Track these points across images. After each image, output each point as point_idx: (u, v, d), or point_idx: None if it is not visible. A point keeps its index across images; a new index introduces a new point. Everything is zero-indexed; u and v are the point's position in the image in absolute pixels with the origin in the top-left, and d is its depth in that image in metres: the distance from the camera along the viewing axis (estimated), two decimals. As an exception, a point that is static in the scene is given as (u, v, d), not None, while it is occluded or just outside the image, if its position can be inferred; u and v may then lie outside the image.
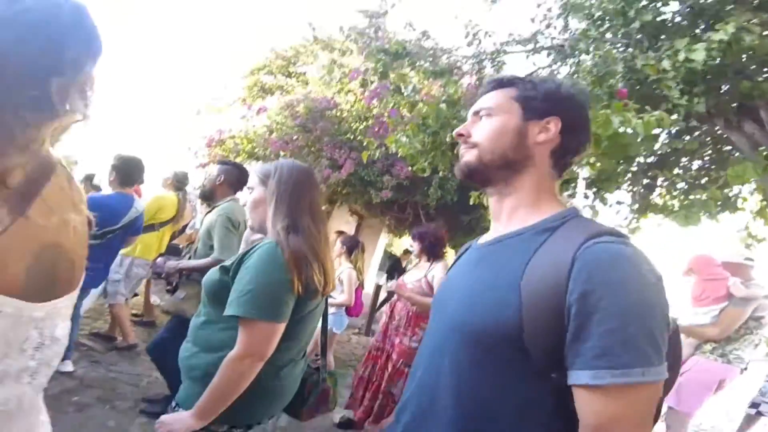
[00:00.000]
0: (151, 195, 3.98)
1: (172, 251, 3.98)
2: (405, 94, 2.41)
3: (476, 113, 0.84)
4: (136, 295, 4.19)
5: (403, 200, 4.58)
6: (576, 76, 3.02)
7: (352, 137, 5.16)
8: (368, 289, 10.79)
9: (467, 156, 0.82)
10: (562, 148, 0.80)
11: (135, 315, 4.43)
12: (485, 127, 0.81)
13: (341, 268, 3.80)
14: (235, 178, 2.50)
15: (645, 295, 0.59)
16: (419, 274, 2.98)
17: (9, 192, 0.53)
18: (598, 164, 1.85)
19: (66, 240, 0.61)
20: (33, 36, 0.53)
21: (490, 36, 2.99)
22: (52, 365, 0.63)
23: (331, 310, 3.39)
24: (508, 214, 0.79)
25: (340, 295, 3.69)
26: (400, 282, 3.03)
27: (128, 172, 3.02)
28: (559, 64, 3.36)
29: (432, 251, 3.01)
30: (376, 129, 4.73)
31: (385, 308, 3.19)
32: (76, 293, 0.65)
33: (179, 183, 4.02)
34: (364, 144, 4.64)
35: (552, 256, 0.65)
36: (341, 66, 5.60)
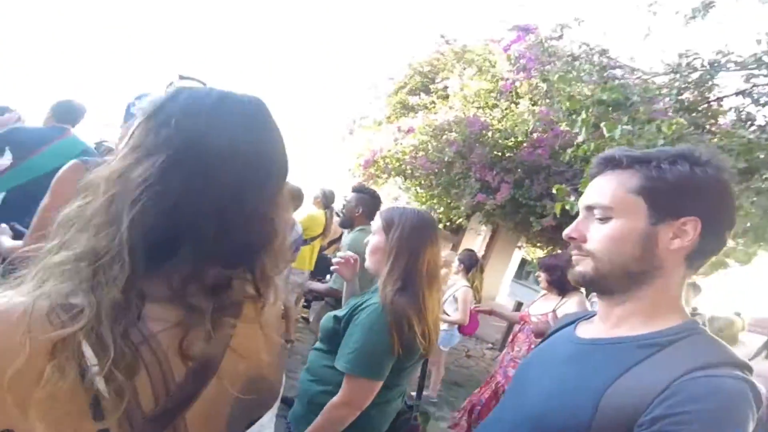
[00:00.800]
0: (303, 212, 4.50)
1: (323, 261, 4.45)
2: (608, 136, 2.19)
3: (589, 209, 0.70)
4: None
5: (564, 224, 4.30)
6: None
7: (500, 154, 5.03)
8: (500, 300, 10.52)
9: (581, 266, 0.71)
10: (700, 250, 0.66)
11: (304, 317, 5.07)
12: (601, 234, 0.68)
13: (456, 286, 3.75)
14: (371, 207, 2.65)
15: (721, 428, 0.55)
16: (546, 307, 2.74)
17: (193, 364, 0.50)
18: None
19: (263, 368, 0.59)
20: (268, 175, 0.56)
21: (705, 66, 2.55)
22: None
23: (443, 326, 3.41)
24: (616, 321, 0.70)
25: (454, 313, 3.61)
26: (524, 314, 2.88)
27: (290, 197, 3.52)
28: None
29: (561, 285, 2.71)
30: (531, 149, 4.52)
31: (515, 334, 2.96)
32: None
33: (327, 201, 4.49)
34: (521, 167, 4.41)
35: (644, 380, 0.60)
36: (492, 78, 5.48)
